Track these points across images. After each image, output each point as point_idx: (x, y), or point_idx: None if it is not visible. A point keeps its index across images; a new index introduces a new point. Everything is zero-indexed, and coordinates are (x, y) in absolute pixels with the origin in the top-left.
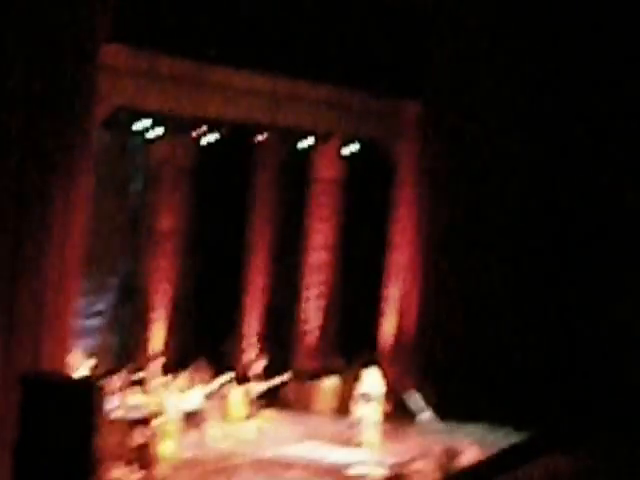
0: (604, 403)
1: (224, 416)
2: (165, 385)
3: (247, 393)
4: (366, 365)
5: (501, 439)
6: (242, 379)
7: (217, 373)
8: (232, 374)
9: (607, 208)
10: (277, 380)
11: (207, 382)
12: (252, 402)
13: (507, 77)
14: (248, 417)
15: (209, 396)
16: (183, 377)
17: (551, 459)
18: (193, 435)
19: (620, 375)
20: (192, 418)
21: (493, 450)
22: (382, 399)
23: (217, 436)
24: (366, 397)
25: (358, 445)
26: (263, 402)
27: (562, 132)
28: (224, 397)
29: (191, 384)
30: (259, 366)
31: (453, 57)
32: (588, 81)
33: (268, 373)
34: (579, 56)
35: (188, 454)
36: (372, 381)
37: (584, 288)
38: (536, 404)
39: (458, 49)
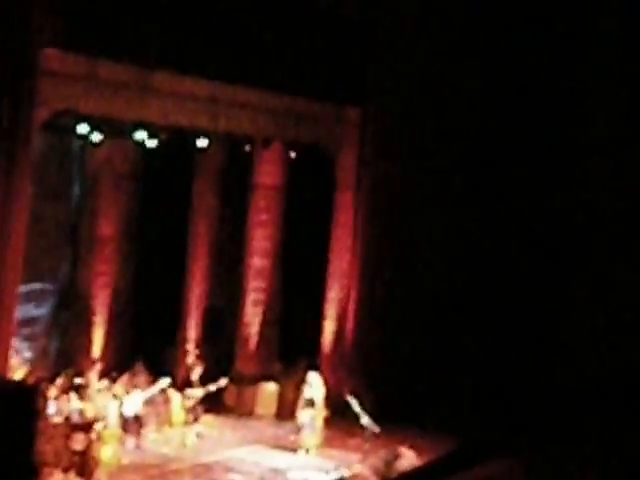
0: (539, 410)
1: (164, 421)
2: (104, 390)
3: (187, 398)
4: (306, 370)
5: (438, 445)
6: (182, 384)
7: (157, 378)
8: (169, 379)
9: (537, 215)
10: (215, 386)
11: (145, 387)
12: (192, 407)
13: (446, 82)
14: (188, 422)
15: (148, 401)
16: (122, 382)
17: (487, 465)
18: (133, 440)
19: (553, 382)
20: (132, 423)
21: (430, 456)
22: (323, 404)
23: (157, 441)
24: (308, 402)
25: (299, 450)
26: (203, 407)
27: (498, 137)
28: (164, 402)
29: (130, 389)
30: (198, 371)
31: (393, 62)
32: (523, 87)
33: (208, 378)
34: (515, 62)
35: (128, 459)
36: (314, 386)
37: (516, 296)
38: (472, 410)
39: (398, 54)
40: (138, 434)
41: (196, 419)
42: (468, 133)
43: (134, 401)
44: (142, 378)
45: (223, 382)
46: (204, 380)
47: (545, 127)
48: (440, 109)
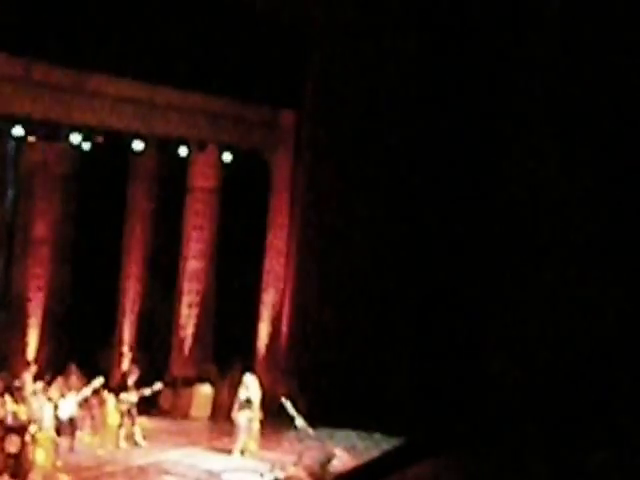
0: (472, 410)
1: (98, 423)
2: (38, 393)
3: (122, 402)
4: (241, 372)
5: (373, 446)
6: (118, 387)
7: (91, 379)
8: (102, 379)
9: (466, 209)
10: (150, 390)
11: (79, 388)
12: (127, 411)
13: (381, 86)
14: (123, 425)
15: (82, 403)
16: (56, 385)
17: (421, 465)
18: (67, 443)
19: (488, 383)
20: (66, 426)
21: (365, 457)
22: (259, 406)
23: (91, 443)
24: (244, 404)
25: (235, 452)
26: (137, 410)
27: (432, 139)
28: (98, 404)
29: (64, 391)
30: (134, 376)
31: (329, 66)
32: (457, 90)
33: (143, 381)
34: (449, 65)
35: (62, 462)
36: (250, 388)
37: (450, 299)
38: (407, 411)
39: (334, 59)
40: (73, 436)
41: (132, 423)
42: (402, 135)
43: (68, 403)
44: (75, 380)
45: (158, 386)
46: (139, 383)
47: (473, 132)
48: (375, 112)
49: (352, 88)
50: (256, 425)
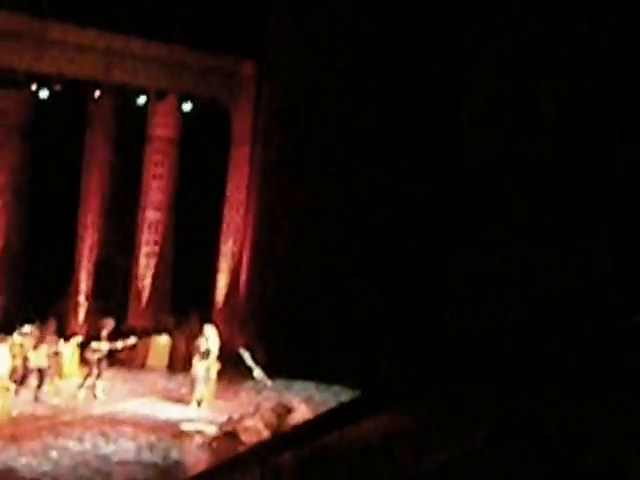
0: (432, 361)
1: (55, 373)
2: None
3: (93, 351)
4: (199, 323)
5: (330, 398)
6: (90, 337)
7: (46, 329)
8: (79, 339)
9: (425, 172)
10: (123, 343)
11: (52, 341)
12: (97, 360)
13: (345, 35)
14: (91, 376)
15: (50, 355)
16: (30, 333)
17: (378, 418)
18: (26, 392)
19: (447, 334)
20: (34, 376)
21: (322, 408)
22: (216, 357)
23: (50, 393)
24: (202, 354)
25: (192, 402)
26: (99, 360)
27: (393, 94)
28: (59, 354)
29: (39, 342)
30: (109, 326)
31: (291, 15)
32: (426, 56)
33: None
34: (418, 23)
35: (19, 411)
36: (209, 338)
37: (409, 249)
38: (365, 363)
39: (297, 7)
40: (39, 387)
41: (99, 375)
42: (364, 88)
43: (39, 355)
44: (51, 333)
45: (132, 340)
46: (95, 332)
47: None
48: (338, 62)
49: (315, 38)
50: (213, 375)
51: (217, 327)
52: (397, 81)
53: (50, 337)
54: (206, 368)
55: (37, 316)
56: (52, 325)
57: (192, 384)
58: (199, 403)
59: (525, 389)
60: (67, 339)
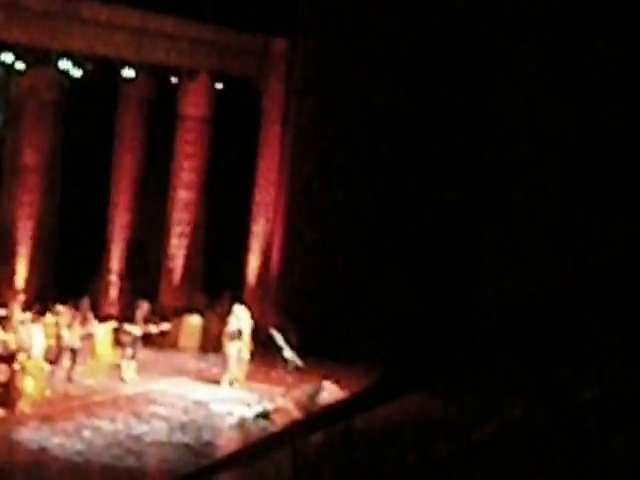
0: (462, 344)
1: (91, 354)
2: (27, 322)
3: (126, 333)
4: (230, 303)
5: (360, 378)
6: (125, 319)
7: (79, 308)
8: (114, 323)
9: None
10: (157, 328)
11: (86, 321)
12: (131, 342)
13: (376, 12)
14: (126, 357)
15: (84, 336)
16: (66, 314)
17: (410, 399)
18: (60, 373)
19: (473, 316)
20: (67, 356)
21: (352, 389)
22: (249, 337)
23: (84, 374)
24: (234, 335)
25: (224, 382)
26: (133, 342)
27: (423, 74)
28: (92, 335)
29: (71, 322)
30: (143, 308)
31: None
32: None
33: (131, 309)
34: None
35: (52, 391)
36: (241, 319)
37: (436, 235)
38: (395, 344)
39: None
40: (72, 367)
41: (132, 356)
42: (396, 65)
43: (73, 335)
44: (85, 313)
45: (166, 326)
46: (126, 310)
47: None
48: (368, 40)
49: (345, 16)
50: (245, 356)
51: (248, 307)
52: (430, 62)
53: (84, 317)
54: (238, 349)
55: (70, 296)
56: (86, 304)
57: (224, 364)
58: (231, 383)
59: (559, 364)
60: (101, 320)
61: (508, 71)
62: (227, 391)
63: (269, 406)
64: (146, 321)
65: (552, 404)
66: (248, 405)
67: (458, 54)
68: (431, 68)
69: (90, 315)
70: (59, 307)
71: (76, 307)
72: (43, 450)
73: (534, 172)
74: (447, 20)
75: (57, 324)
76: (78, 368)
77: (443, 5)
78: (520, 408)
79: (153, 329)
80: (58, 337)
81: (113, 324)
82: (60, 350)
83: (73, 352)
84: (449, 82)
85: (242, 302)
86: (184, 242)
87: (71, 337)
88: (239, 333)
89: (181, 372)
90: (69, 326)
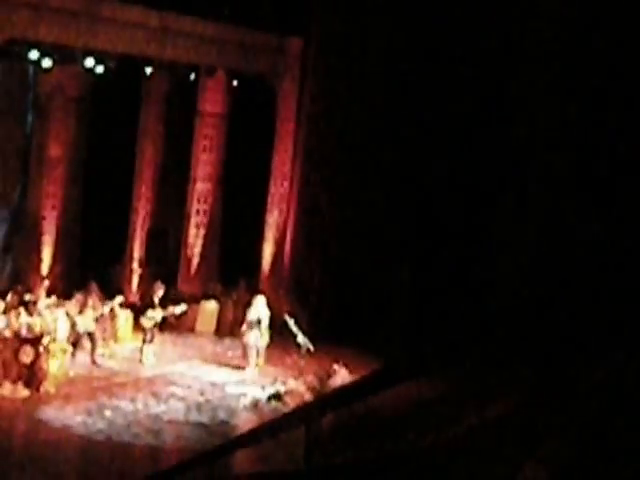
0: (468, 330)
1: (110, 336)
2: (51, 306)
3: (148, 318)
4: (245, 290)
5: (369, 363)
6: (144, 304)
7: (104, 296)
8: (121, 298)
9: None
10: (176, 309)
11: (97, 306)
12: (150, 328)
13: (392, 12)
14: (145, 341)
15: (99, 319)
16: (75, 301)
17: (416, 384)
18: (82, 355)
19: (484, 304)
20: (85, 340)
21: (362, 373)
22: (267, 326)
23: (105, 356)
24: (253, 324)
25: (249, 369)
26: (153, 326)
27: (441, 74)
28: (110, 318)
29: (82, 308)
30: (159, 291)
31: None
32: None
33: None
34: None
35: (75, 373)
36: (260, 308)
37: (448, 228)
38: (403, 330)
39: None
40: (93, 350)
41: (151, 339)
42: (410, 66)
43: (86, 319)
44: (95, 297)
45: (183, 307)
46: (145, 296)
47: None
48: (383, 40)
49: (360, 16)
50: (264, 343)
51: (263, 294)
52: (446, 61)
53: (94, 300)
54: (256, 337)
55: (94, 282)
56: (94, 289)
57: (244, 352)
58: (253, 370)
59: (557, 353)
60: (122, 305)
61: (522, 72)
62: (242, 374)
63: (282, 388)
64: (162, 303)
65: (554, 390)
66: (262, 387)
67: (477, 55)
68: (448, 68)
69: (97, 298)
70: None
71: (85, 293)
72: (66, 428)
73: (550, 166)
74: (466, 20)
75: (68, 314)
76: (100, 351)
77: (461, 4)
78: (520, 394)
79: (171, 310)
80: (72, 324)
81: (121, 299)
82: (77, 335)
83: (90, 335)
84: (466, 81)
85: (256, 289)
86: (202, 232)
87: (84, 322)
88: (258, 322)
89: (198, 355)
90: (80, 312)
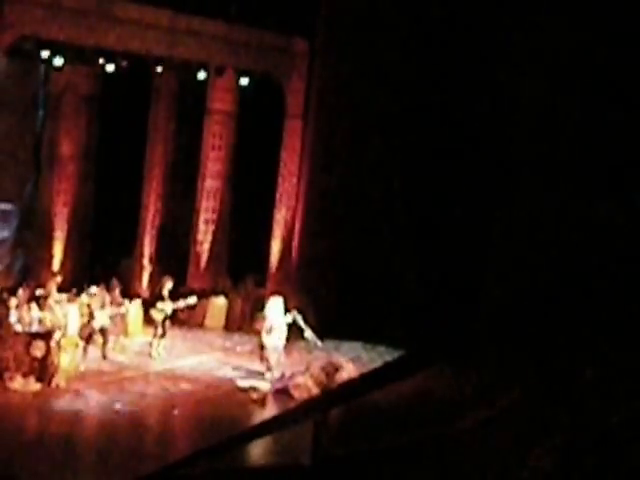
0: (477, 323)
1: (120, 331)
2: (62, 301)
3: (158, 311)
4: (253, 286)
5: (376, 357)
6: (154, 297)
7: (112, 289)
8: (139, 301)
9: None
10: (185, 302)
11: (119, 301)
12: (162, 321)
13: (397, 12)
14: (157, 335)
15: (114, 316)
16: (98, 296)
17: (423, 377)
18: (94, 350)
19: (490, 294)
20: (98, 335)
21: (368, 367)
22: (285, 327)
23: (116, 351)
24: (270, 328)
25: (268, 371)
26: (164, 320)
27: (446, 71)
28: (124, 314)
29: (104, 303)
30: (168, 284)
31: None
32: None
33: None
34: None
35: (86, 367)
36: (277, 311)
37: (453, 221)
38: (410, 324)
39: None
40: (104, 345)
41: (163, 334)
42: (416, 64)
43: (104, 315)
44: (116, 294)
45: (192, 300)
46: (156, 292)
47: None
48: (389, 39)
49: (365, 17)
50: (281, 344)
51: (271, 290)
52: (451, 58)
53: (115, 298)
54: (277, 340)
55: (104, 278)
56: (116, 287)
57: (262, 355)
58: (269, 369)
59: (559, 347)
60: (132, 299)
61: (522, 73)
62: (250, 368)
63: (289, 383)
64: (171, 297)
65: (552, 384)
66: (270, 382)
67: (482, 58)
68: (453, 69)
69: (119, 296)
70: (93, 289)
71: (107, 289)
72: (77, 421)
73: (549, 164)
74: (470, 20)
75: (89, 305)
76: (111, 345)
77: (464, 4)
78: (520, 389)
79: (181, 303)
80: (91, 317)
81: (140, 302)
82: (92, 329)
83: (103, 331)
84: (472, 81)
85: (264, 285)
86: (211, 228)
87: (102, 317)
88: (273, 325)
89: (207, 350)
90: (102, 307)
